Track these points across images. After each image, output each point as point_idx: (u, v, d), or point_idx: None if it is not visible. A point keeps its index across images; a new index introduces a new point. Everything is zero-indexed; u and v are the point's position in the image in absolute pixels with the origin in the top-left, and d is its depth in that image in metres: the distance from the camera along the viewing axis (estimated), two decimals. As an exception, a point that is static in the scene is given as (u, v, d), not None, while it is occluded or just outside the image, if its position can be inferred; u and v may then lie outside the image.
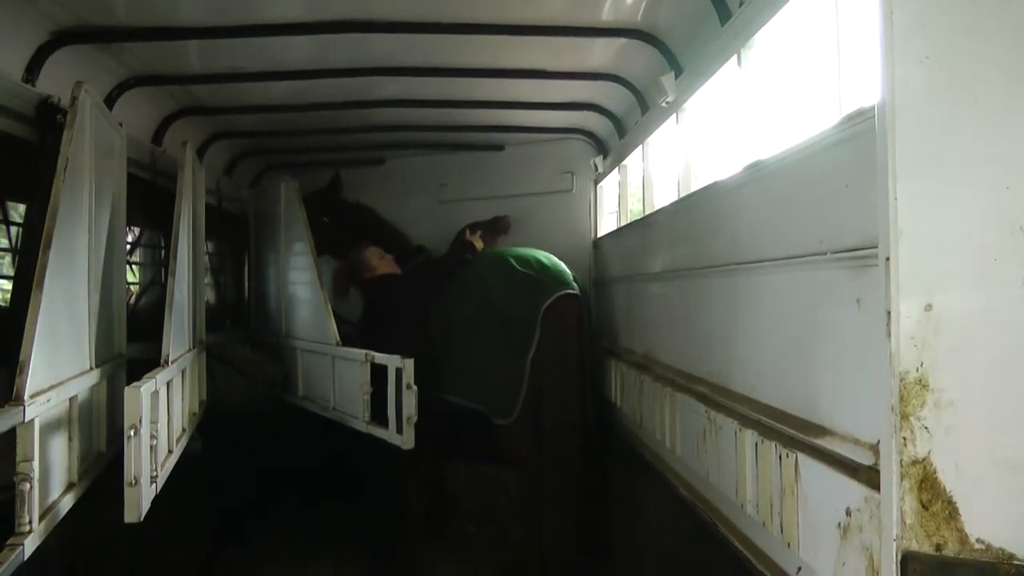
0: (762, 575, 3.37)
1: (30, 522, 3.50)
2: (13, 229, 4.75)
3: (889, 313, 2.10)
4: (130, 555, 5.40)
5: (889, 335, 2.10)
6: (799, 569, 3.07)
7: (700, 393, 4.34)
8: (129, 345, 5.50)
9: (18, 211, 4.80)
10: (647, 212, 6.47)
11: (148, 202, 6.43)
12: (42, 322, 3.70)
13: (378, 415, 6.33)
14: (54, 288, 3.89)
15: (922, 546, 2.07)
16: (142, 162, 6.39)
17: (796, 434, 3.07)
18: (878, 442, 2.34)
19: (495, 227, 8.15)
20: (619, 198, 7.77)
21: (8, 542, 3.38)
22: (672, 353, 5.18)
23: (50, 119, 4.67)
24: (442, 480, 8.30)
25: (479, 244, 7.83)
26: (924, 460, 2.07)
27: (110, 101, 5.68)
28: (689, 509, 4.49)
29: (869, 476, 2.43)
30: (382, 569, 7.38)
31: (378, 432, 6.30)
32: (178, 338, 5.38)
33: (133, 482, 4.01)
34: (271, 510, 8.92)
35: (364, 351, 6.41)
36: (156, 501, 4.37)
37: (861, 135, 2.55)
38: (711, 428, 4.02)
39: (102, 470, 4.67)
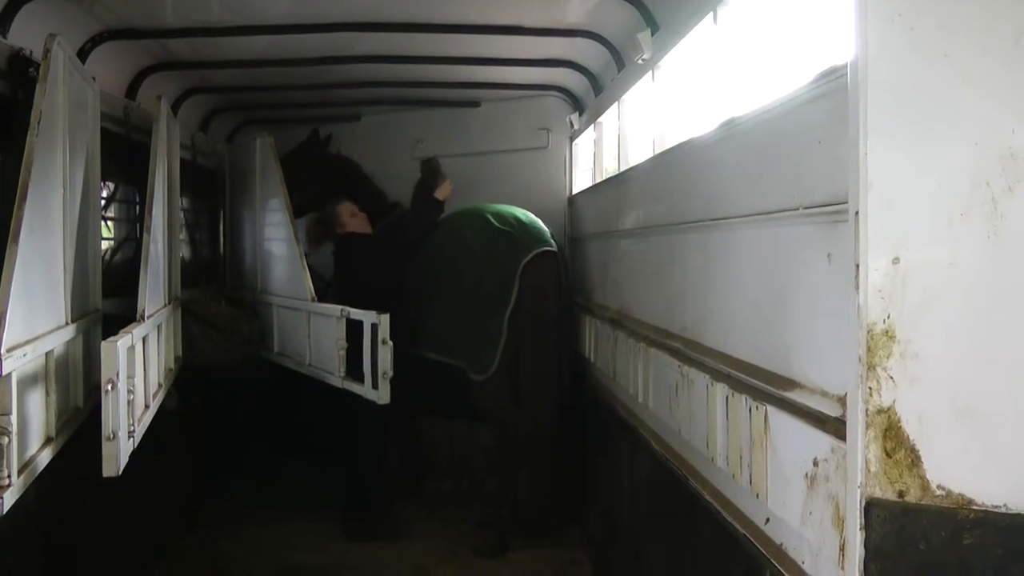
0: (732, 526, 3.43)
1: (9, 476, 3.51)
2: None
3: (858, 266, 2.14)
4: (107, 511, 5.44)
5: (857, 288, 2.14)
6: (767, 519, 3.13)
7: (673, 348, 4.39)
8: (104, 300, 5.49)
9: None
10: (622, 169, 6.49)
11: (122, 157, 6.38)
12: (18, 276, 3.69)
13: (354, 371, 6.36)
14: (30, 242, 3.88)
15: (885, 493, 2.13)
16: (116, 116, 6.34)
17: (766, 387, 3.12)
18: (845, 394, 2.39)
19: (433, 173, 7.88)
20: (594, 155, 7.79)
21: (-12, 495, 3.41)
22: (646, 309, 5.22)
23: (22, 72, 4.62)
24: (418, 436, 8.36)
25: (448, 189, 7.76)
26: (889, 409, 2.12)
27: (83, 55, 5.61)
28: (661, 463, 4.55)
29: (836, 427, 2.48)
30: (358, 525, 7.43)
31: (354, 387, 6.33)
32: (154, 294, 5.37)
33: (111, 436, 4.02)
34: (247, 467, 8.97)
35: (339, 307, 6.43)
36: (133, 457, 4.39)
37: (834, 92, 2.58)
38: (683, 383, 4.08)
39: (79, 425, 4.68)
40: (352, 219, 7.80)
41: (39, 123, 4.07)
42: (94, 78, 5.36)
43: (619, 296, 6.04)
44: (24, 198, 3.86)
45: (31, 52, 4.64)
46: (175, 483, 7.17)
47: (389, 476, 7.71)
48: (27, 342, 3.82)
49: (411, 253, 7.67)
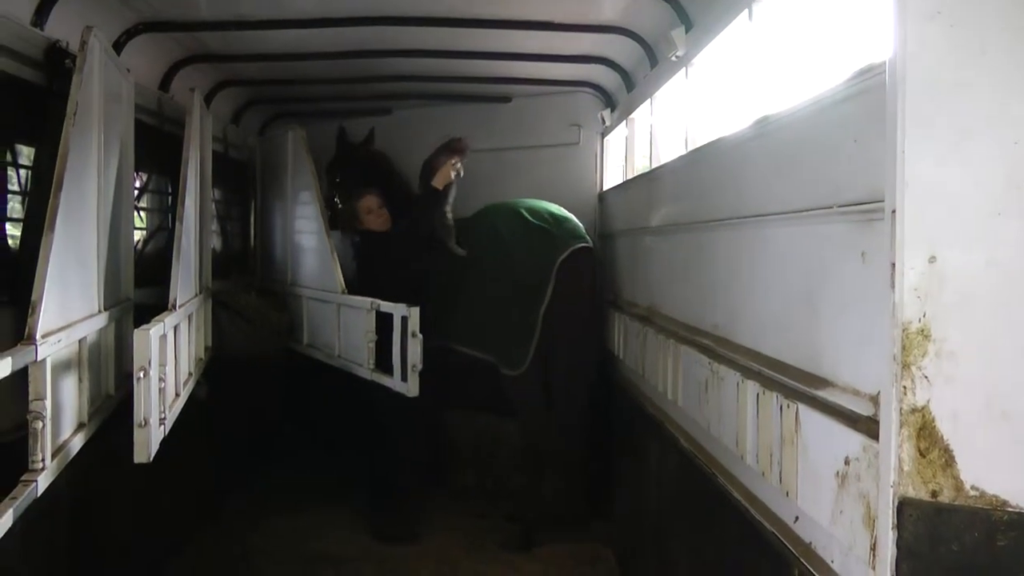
0: (760, 524, 3.43)
1: (43, 459, 3.55)
2: (23, 172, 4.77)
3: (893, 265, 2.13)
4: (135, 496, 5.50)
5: (893, 286, 2.13)
6: (796, 518, 3.13)
7: (703, 345, 4.39)
8: (135, 290, 5.54)
9: (26, 154, 4.81)
10: (654, 166, 6.47)
11: (155, 148, 6.44)
12: (53, 264, 3.74)
13: (382, 363, 6.38)
14: (65, 231, 3.92)
15: (918, 493, 2.12)
16: (149, 108, 6.40)
17: (797, 385, 3.12)
18: (878, 393, 2.39)
19: (451, 150, 7.44)
20: (626, 152, 7.77)
21: (22, 478, 3.45)
22: (676, 306, 5.21)
23: (59, 64, 4.67)
24: (443, 430, 8.37)
25: (447, 175, 7.29)
26: (923, 409, 2.11)
27: (118, 47, 5.66)
28: (689, 459, 4.54)
29: (868, 426, 2.47)
30: (383, 518, 7.45)
31: (383, 380, 6.35)
32: (185, 284, 5.41)
33: (143, 423, 4.07)
34: (274, 457, 9.04)
35: (370, 299, 6.45)
36: (162, 444, 4.43)
37: (870, 90, 2.57)
38: (713, 380, 4.07)
39: (110, 413, 4.73)
40: (369, 215, 7.60)
41: (75, 114, 4.11)
42: (129, 70, 5.41)
43: (649, 293, 6.03)
44: (60, 187, 3.90)
45: (67, 44, 4.69)
46: (202, 471, 7.22)
47: (415, 470, 7.71)
48: (61, 329, 3.87)
49: (426, 248, 7.51)
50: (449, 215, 7.40)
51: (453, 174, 7.29)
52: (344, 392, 7.52)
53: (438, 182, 7.28)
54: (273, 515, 7.73)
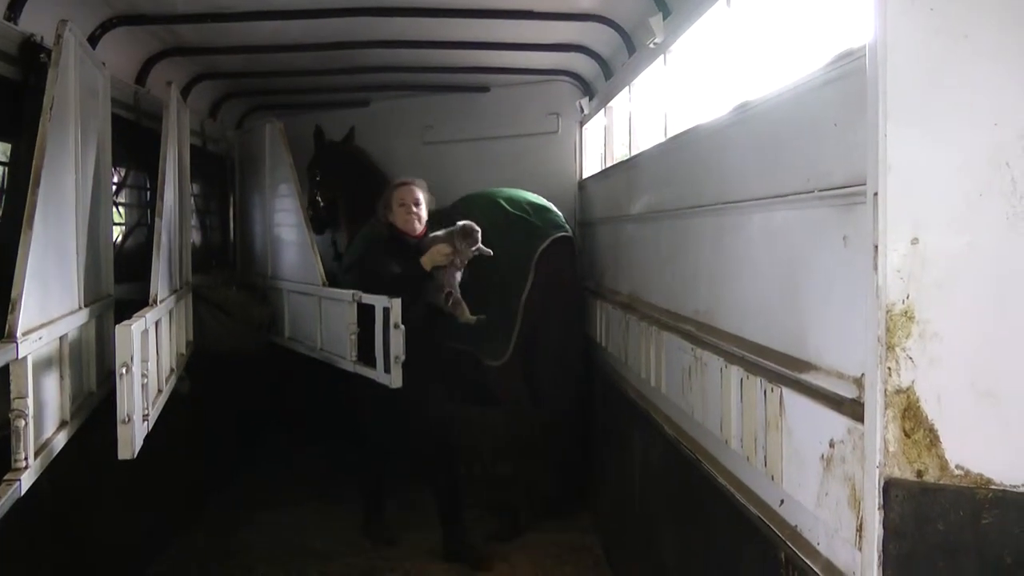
0: (746, 508, 3.44)
1: (26, 458, 3.52)
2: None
3: (876, 247, 2.14)
4: (122, 495, 5.48)
5: (876, 268, 2.14)
6: (782, 501, 3.14)
7: (686, 331, 4.39)
8: (115, 286, 5.50)
9: (1, 150, 4.76)
10: (633, 154, 6.48)
11: (133, 143, 6.40)
12: (32, 261, 3.70)
13: (365, 355, 6.37)
14: (43, 228, 3.89)
15: (904, 473, 2.14)
16: (126, 102, 6.35)
17: (781, 369, 3.12)
18: (862, 375, 2.40)
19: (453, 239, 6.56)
20: (605, 140, 7.78)
21: (5, 478, 3.42)
22: (658, 293, 5.22)
23: (34, 58, 4.63)
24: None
25: (435, 258, 6.48)
26: (908, 389, 2.12)
27: (93, 41, 5.60)
28: (673, 446, 4.55)
29: (853, 408, 2.48)
30: (367, 509, 7.42)
31: (366, 372, 6.33)
32: (165, 279, 5.39)
33: (126, 419, 4.05)
34: (258, 451, 9.01)
35: (351, 291, 6.42)
36: (145, 441, 4.41)
37: (850, 75, 2.57)
38: (696, 366, 4.08)
39: (93, 410, 4.70)
40: (400, 208, 6.70)
41: (51, 109, 4.07)
42: (104, 64, 5.36)
43: (631, 280, 6.03)
44: (37, 184, 3.86)
45: (42, 38, 4.65)
46: (187, 467, 7.19)
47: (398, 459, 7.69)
48: (41, 326, 3.84)
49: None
50: (444, 290, 6.52)
51: (446, 263, 6.48)
52: (330, 385, 7.49)
53: (425, 262, 6.46)
54: (259, 510, 7.71)
